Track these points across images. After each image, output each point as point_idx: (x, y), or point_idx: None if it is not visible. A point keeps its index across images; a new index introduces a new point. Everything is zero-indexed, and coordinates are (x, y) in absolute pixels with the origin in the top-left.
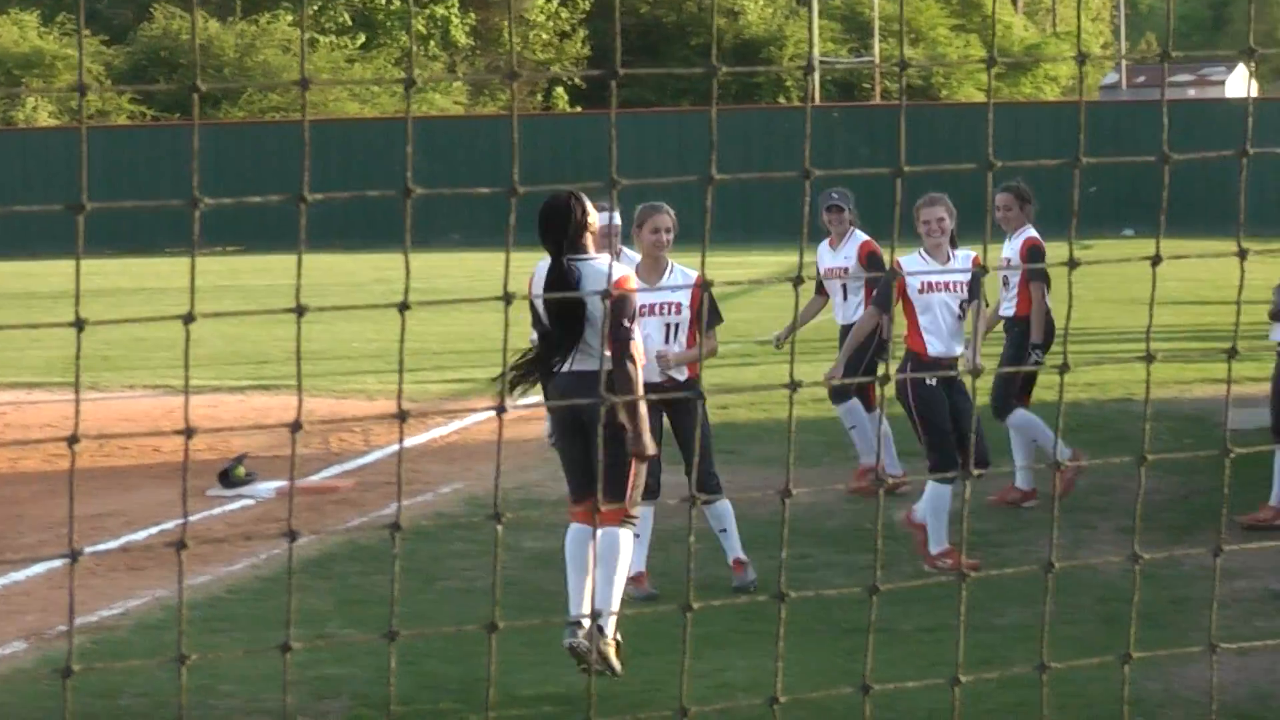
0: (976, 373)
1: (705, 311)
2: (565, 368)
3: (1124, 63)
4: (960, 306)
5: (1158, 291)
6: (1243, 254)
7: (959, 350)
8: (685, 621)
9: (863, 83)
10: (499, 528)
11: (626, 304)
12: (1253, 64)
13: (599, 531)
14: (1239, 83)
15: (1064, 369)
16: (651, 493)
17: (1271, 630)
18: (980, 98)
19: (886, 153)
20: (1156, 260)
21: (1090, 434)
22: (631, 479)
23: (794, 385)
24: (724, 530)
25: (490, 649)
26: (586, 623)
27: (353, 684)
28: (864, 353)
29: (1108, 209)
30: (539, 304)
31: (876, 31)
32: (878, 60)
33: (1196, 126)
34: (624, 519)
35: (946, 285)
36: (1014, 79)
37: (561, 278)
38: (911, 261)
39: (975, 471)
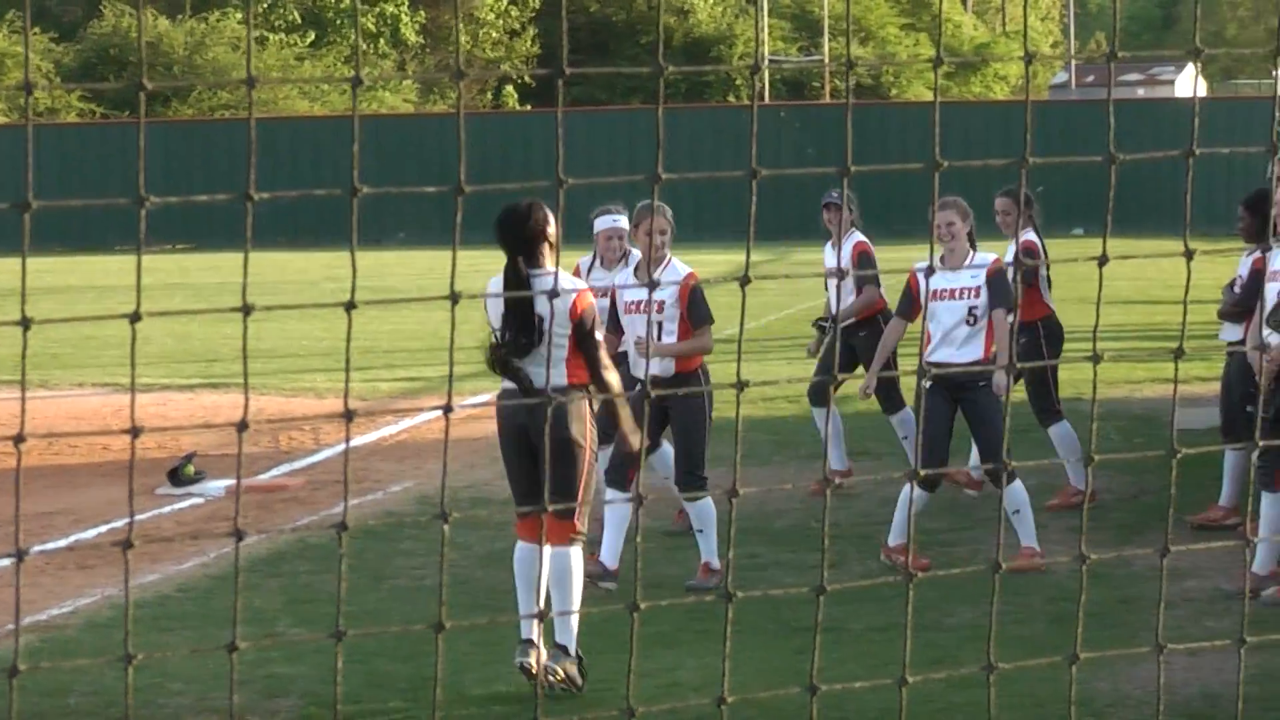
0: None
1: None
2: (530, 384)
3: (1073, 62)
4: (970, 313)
5: (1106, 291)
6: (1189, 254)
7: (968, 358)
8: (633, 621)
9: (813, 82)
10: (446, 527)
11: (588, 318)
12: (1199, 64)
13: (549, 553)
14: (1188, 82)
15: (1011, 369)
16: (618, 484)
17: (1221, 630)
18: (930, 96)
19: (835, 152)
20: (1103, 260)
21: (1040, 433)
22: (581, 495)
23: (741, 385)
24: (701, 531)
25: (438, 648)
26: (539, 640)
27: (302, 683)
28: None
29: (1058, 208)
30: (495, 313)
31: (826, 30)
32: (827, 59)
33: (1145, 126)
34: (572, 536)
35: (952, 293)
36: (964, 78)
37: (519, 286)
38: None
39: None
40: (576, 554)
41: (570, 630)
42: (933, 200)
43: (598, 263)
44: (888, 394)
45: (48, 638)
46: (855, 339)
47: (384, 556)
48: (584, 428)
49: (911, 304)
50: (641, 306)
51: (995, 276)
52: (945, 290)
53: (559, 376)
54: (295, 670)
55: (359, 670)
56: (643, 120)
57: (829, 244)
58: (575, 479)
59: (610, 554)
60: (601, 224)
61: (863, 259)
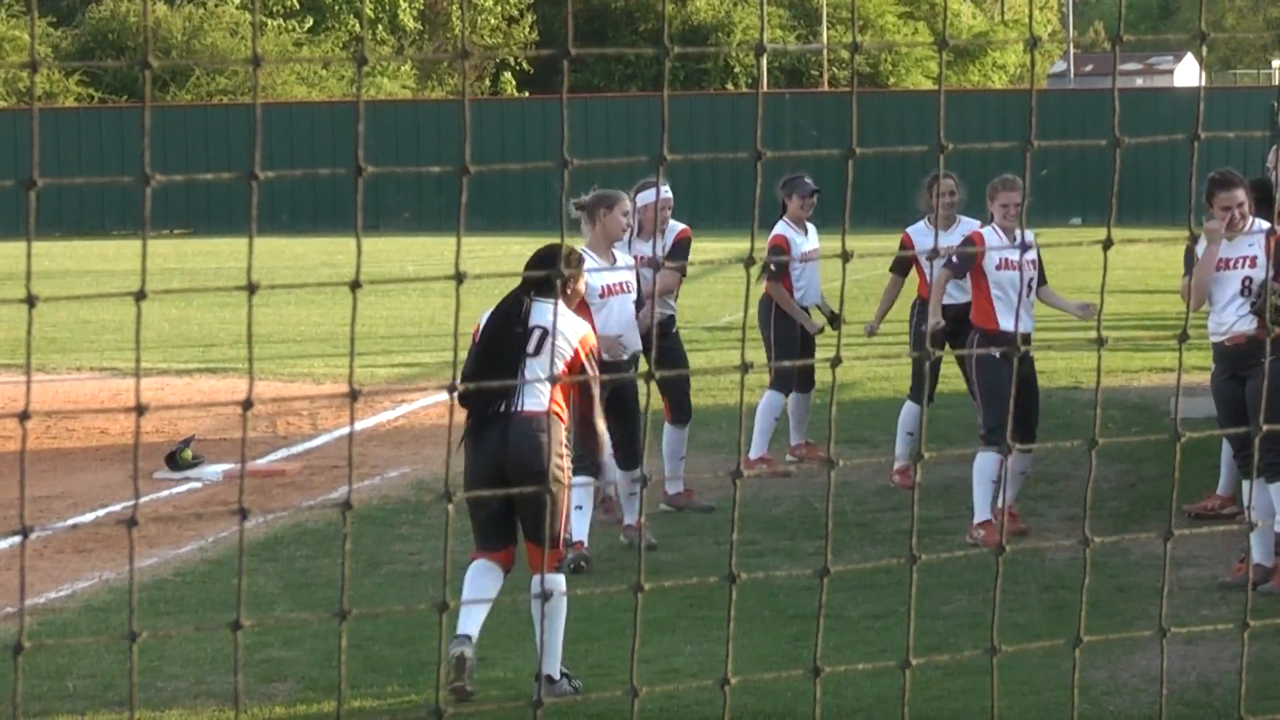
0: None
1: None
2: (510, 408)
3: (1072, 51)
4: (1029, 284)
5: (1106, 280)
6: (1195, 239)
7: (1029, 328)
8: (637, 601)
9: (811, 70)
10: (450, 507)
11: (594, 353)
12: (1204, 49)
13: (543, 584)
14: (1187, 73)
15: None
16: (589, 468)
17: (1217, 619)
18: (928, 85)
19: (834, 138)
20: (1108, 244)
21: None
22: (564, 525)
23: (745, 368)
24: (634, 495)
25: (440, 629)
26: (475, 636)
27: (299, 667)
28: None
29: (1056, 198)
30: (487, 339)
31: (825, 18)
32: (826, 46)
33: (1144, 116)
34: (557, 563)
35: (1018, 264)
36: (962, 67)
37: (519, 312)
38: (989, 239)
39: (1021, 446)
40: (562, 581)
41: (557, 659)
42: (935, 181)
43: (636, 233)
44: (805, 373)
45: (45, 620)
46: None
47: (381, 542)
48: (562, 461)
49: (969, 264)
50: (613, 290)
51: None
52: (1014, 263)
53: (538, 402)
54: (293, 654)
55: (357, 654)
56: (639, 107)
57: (792, 223)
58: (557, 512)
59: (579, 529)
60: (649, 196)
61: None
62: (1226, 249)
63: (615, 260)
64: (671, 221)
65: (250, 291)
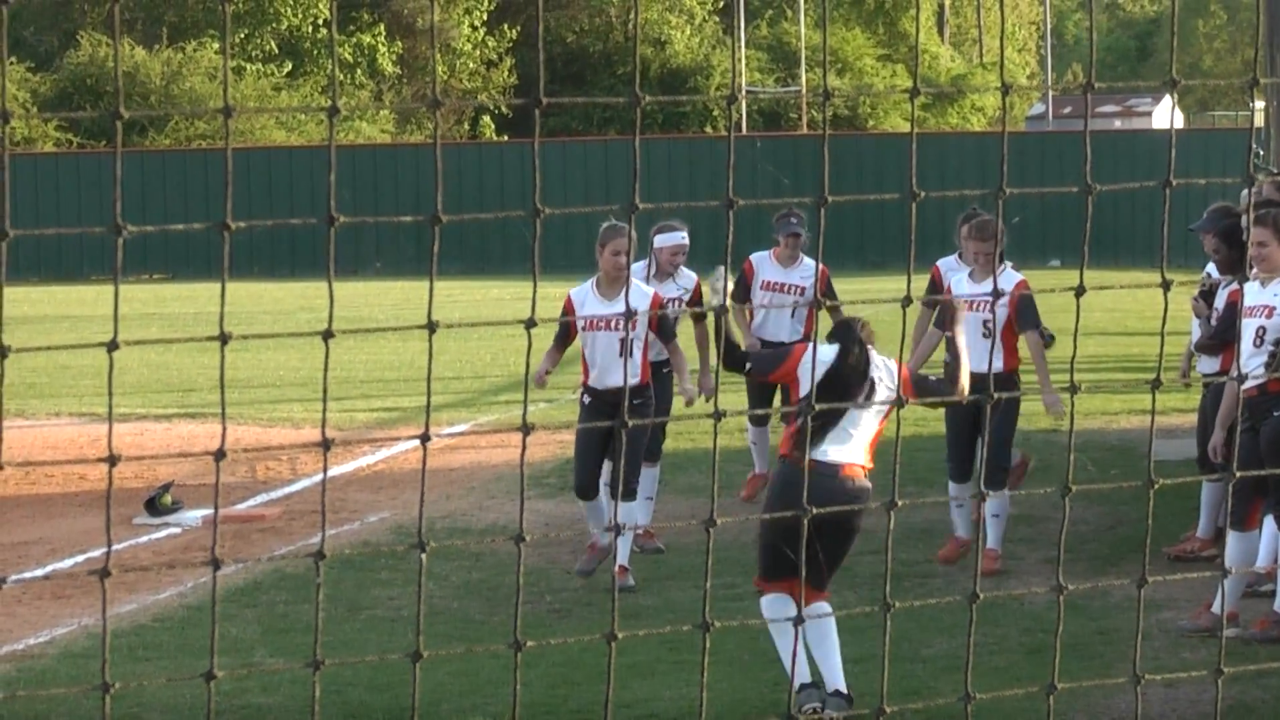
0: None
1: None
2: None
3: (1050, 94)
4: (985, 325)
5: (1083, 322)
6: (1166, 285)
7: (984, 368)
8: (610, 650)
9: (789, 113)
10: (423, 556)
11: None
12: (1175, 95)
13: (820, 611)
14: (1165, 114)
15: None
16: (586, 492)
17: (1197, 662)
18: (907, 127)
19: (810, 182)
20: (1080, 291)
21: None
22: None
23: (719, 415)
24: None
25: (415, 677)
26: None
27: (278, 713)
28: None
29: (1034, 240)
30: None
31: (803, 61)
32: (804, 90)
33: (1122, 157)
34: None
35: (972, 305)
36: (940, 109)
37: (859, 363)
38: (959, 283)
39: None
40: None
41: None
42: (967, 220)
43: (652, 274)
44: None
45: (24, 667)
46: None
47: (360, 587)
48: None
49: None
50: (610, 325)
51: (1023, 298)
52: (970, 304)
53: (866, 454)
54: (272, 700)
55: (336, 700)
56: (618, 150)
57: (767, 256)
58: None
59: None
60: (664, 239)
61: (829, 284)
62: (1249, 296)
63: (617, 295)
64: (688, 272)
65: (223, 342)
